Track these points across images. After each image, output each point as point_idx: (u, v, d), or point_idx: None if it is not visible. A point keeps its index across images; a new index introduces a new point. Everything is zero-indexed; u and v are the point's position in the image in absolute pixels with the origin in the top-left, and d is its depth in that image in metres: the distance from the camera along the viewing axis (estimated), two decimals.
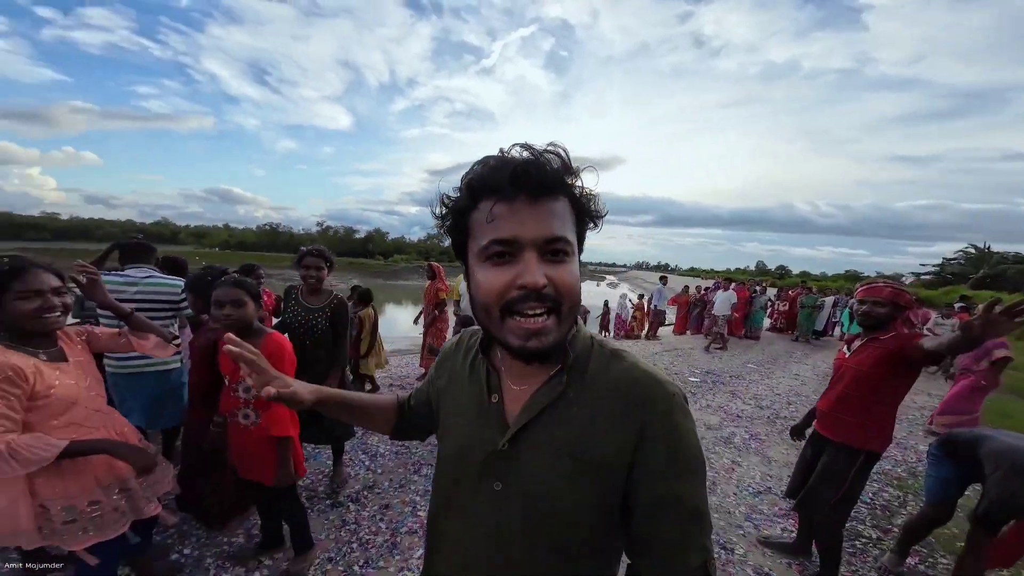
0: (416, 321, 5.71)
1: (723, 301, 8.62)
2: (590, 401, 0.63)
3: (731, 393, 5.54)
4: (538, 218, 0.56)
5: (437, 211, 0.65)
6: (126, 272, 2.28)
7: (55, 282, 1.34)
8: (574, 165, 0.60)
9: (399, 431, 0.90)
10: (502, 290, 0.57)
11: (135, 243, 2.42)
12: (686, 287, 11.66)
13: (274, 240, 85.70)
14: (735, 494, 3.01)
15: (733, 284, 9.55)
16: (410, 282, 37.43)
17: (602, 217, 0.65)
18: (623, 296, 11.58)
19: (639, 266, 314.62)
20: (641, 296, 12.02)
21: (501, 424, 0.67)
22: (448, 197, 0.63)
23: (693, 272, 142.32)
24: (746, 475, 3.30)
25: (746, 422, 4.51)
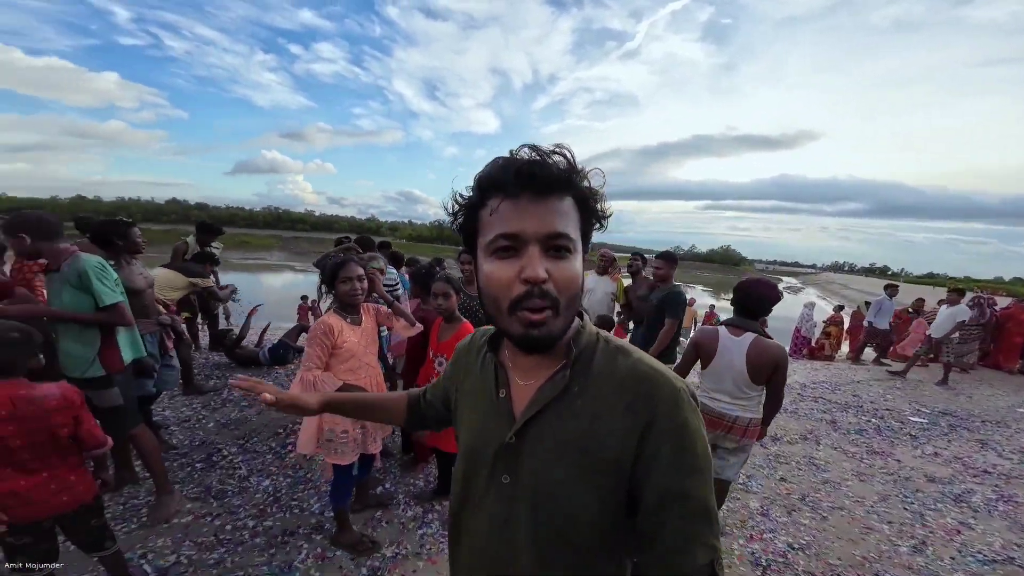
0: None
1: (946, 319, 6.20)
2: (595, 396, 0.64)
3: (979, 442, 4.19)
4: (541, 215, 0.59)
5: (449, 207, 0.67)
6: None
7: (360, 272, 1.99)
8: (579, 166, 0.62)
9: (412, 423, 0.99)
10: (508, 283, 0.59)
11: (377, 241, 3.42)
12: (919, 301, 8.60)
13: (440, 234, 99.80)
14: (952, 559, 2.46)
15: (972, 296, 7.00)
16: None
17: (607, 217, 0.67)
18: (808, 305, 9.32)
19: (835, 267, 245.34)
20: (839, 308, 9.60)
21: (509, 418, 0.68)
22: (460, 195, 0.66)
23: (932, 280, 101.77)
24: (978, 540, 2.64)
25: (997, 480, 3.41)
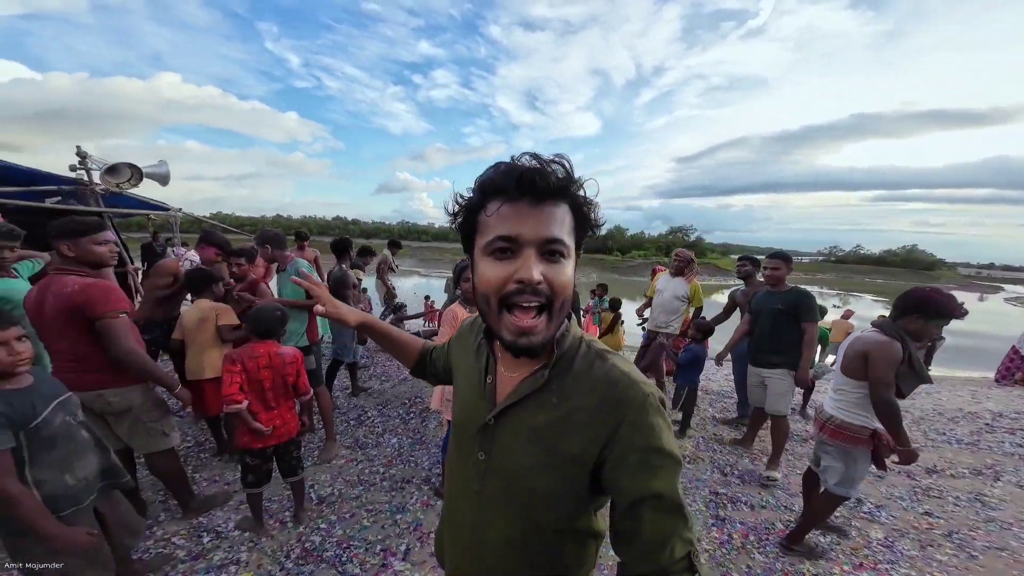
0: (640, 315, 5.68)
1: None
2: (569, 396, 0.68)
3: None
4: (539, 220, 0.62)
5: (450, 208, 0.71)
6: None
7: None
8: (576, 176, 0.65)
9: (417, 371, 1.09)
10: (501, 282, 0.63)
11: None
12: None
13: None
14: None
15: None
16: (643, 278, 35.76)
17: (600, 225, 0.70)
18: None
19: None
20: None
21: (491, 402, 0.75)
22: (461, 196, 0.69)
23: None
24: None
25: None
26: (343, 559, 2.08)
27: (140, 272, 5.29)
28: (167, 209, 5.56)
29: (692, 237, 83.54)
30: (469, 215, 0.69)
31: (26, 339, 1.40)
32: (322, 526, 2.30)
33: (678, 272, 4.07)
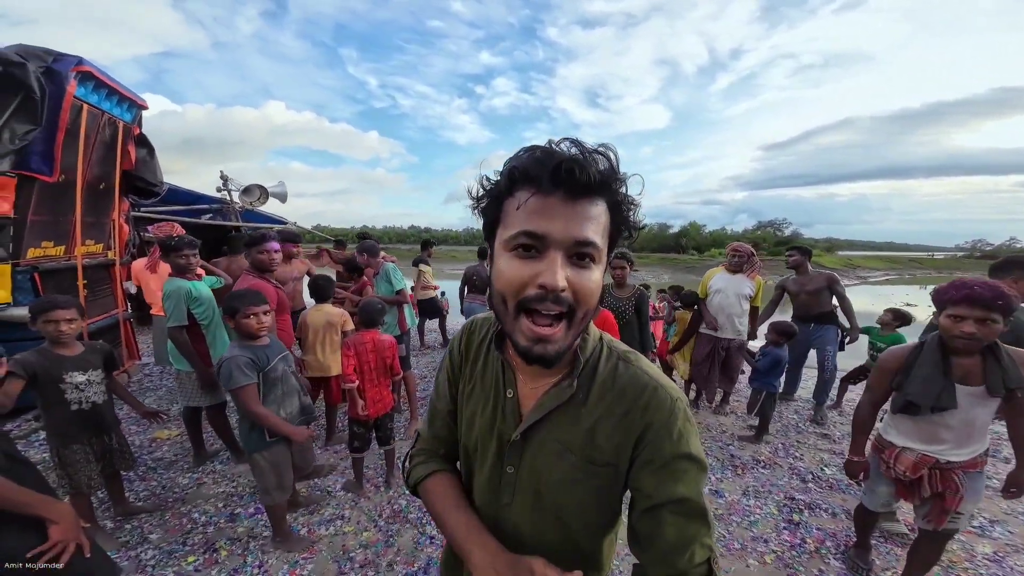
0: None
1: None
2: (597, 405, 0.66)
3: None
4: (571, 218, 0.54)
5: (475, 192, 0.64)
6: None
7: None
8: (620, 170, 0.57)
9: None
10: (521, 285, 0.56)
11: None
12: None
13: None
14: None
15: None
16: None
17: (639, 229, 0.63)
18: None
19: None
20: None
21: (515, 417, 0.71)
22: (488, 180, 0.62)
23: None
24: None
25: None
26: (423, 521, 2.40)
27: None
28: (285, 223, 6.65)
29: (786, 231, 75.36)
30: (495, 202, 0.61)
31: (269, 313, 2.04)
32: (407, 491, 2.66)
33: (737, 268, 3.68)
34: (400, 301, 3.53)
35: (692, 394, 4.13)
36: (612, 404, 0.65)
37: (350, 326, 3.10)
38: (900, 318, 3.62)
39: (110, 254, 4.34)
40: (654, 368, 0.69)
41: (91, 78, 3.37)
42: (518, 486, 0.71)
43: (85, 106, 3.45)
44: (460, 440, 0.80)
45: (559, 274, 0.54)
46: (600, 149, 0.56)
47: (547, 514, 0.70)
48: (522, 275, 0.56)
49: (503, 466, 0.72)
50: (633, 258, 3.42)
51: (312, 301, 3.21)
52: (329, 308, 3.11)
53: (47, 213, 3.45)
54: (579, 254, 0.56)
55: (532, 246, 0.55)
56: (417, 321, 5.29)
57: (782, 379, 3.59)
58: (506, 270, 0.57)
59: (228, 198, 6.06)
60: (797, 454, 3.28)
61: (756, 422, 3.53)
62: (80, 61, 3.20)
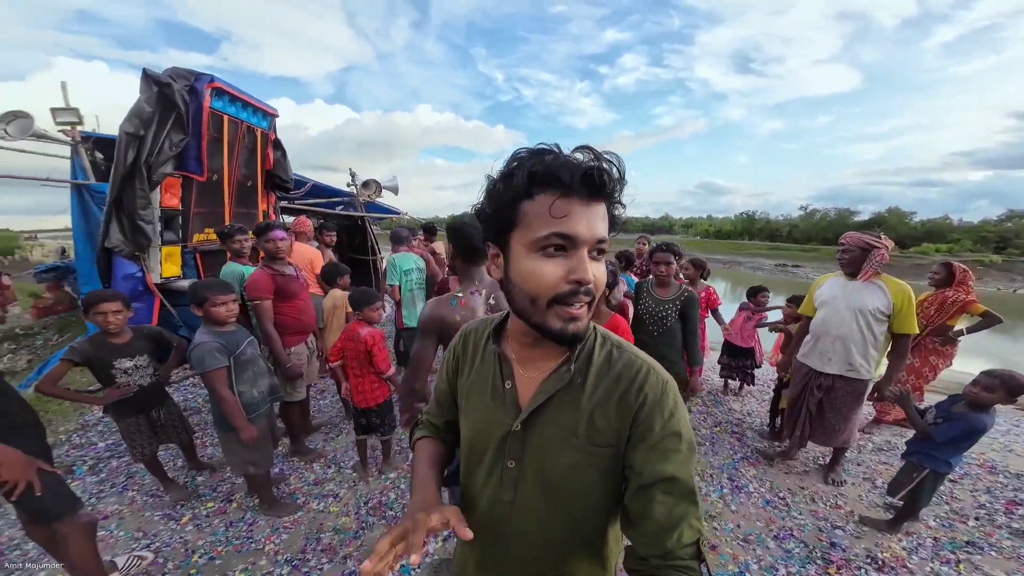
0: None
1: None
2: (595, 388, 0.70)
3: None
4: (592, 219, 0.61)
5: (491, 187, 0.66)
6: None
7: None
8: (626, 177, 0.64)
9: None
10: (555, 282, 0.61)
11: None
12: None
13: (749, 228, 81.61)
14: None
15: None
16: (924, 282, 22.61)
17: (621, 224, 0.69)
18: None
19: None
20: None
21: (514, 408, 0.73)
22: (499, 181, 0.65)
23: None
24: None
25: None
26: (399, 519, 2.27)
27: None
28: (398, 213, 7.45)
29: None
30: (510, 204, 0.63)
31: (236, 302, 2.13)
32: (402, 486, 2.56)
33: (852, 271, 2.43)
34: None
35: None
36: (610, 388, 0.69)
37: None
38: None
39: None
40: (645, 354, 0.73)
41: (224, 93, 4.14)
42: (520, 481, 0.72)
43: (225, 117, 4.26)
44: (461, 437, 0.83)
45: (589, 269, 0.61)
46: (608, 156, 0.62)
47: (553, 506, 0.71)
48: (556, 273, 0.61)
49: (504, 461, 0.73)
50: (681, 249, 2.64)
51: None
52: (335, 292, 3.17)
53: (205, 206, 4.41)
54: (598, 250, 0.63)
55: (563, 246, 0.61)
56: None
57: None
58: (538, 269, 0.62)
59: (355, 191, 6.96)
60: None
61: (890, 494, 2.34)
62: (212, 79, 3.95)
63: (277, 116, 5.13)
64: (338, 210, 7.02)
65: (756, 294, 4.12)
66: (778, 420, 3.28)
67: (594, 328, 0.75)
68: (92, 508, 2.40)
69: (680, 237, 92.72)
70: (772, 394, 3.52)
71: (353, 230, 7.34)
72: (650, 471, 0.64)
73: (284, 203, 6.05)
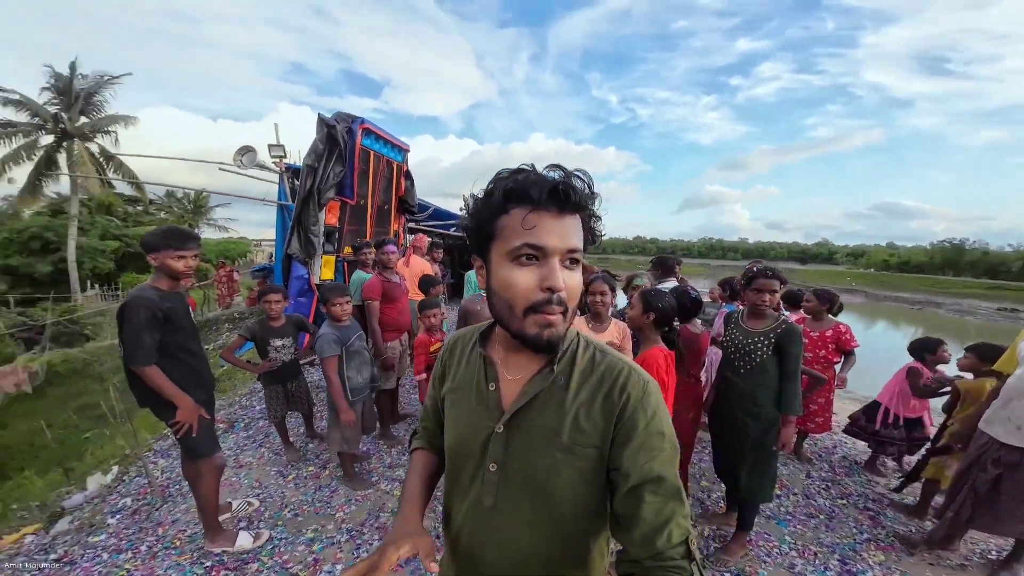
0: None
1: None
2: (579, 389, 0.71)
3: None
4: (563, 230, 0.65)
5: (470, 207, 0.71)
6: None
7: (603, 288, 2.36)
8: (595, 190, 0.69)
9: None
10: (529, 289, 0.65)
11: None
12: None
13: (955, 260, 62.25)
14: None
15: None
16: None
17: (600, 237, 0.73)
18: None
19: None
20: None
21: (497, 410, 0.74)
22: (478, 199, 0.70)
23: None
24: None
25: None
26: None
27: None
28: None
29: None
30: (488, 219, 0.69)
31: (349, 303, 2.61)
32: None
33: None
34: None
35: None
36: (594, 388, 0.71)
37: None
38: None
39: None
40: (627, 357, 0.76)
41: (371, 132, 5.05)
42: (502, 485, 0.72)
43: (372, 152, 5.19)
44: (445, 445, 0.83)
45: (559, 276, 0.64)
46: (578, 174, 0.67)
47: (535, 512, 0.71)
48: (528, 281, 0.65)
49: (485, 464, 0.74)
50: (785, 276, 2.29)
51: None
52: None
53: (354, 224, 5.39)
54: (570, 259, 0.67)
55: (534, 255, 0.65)
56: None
57: None
58: (512, 277, 0.66)
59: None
60: None
61: None
62: (363, 121, 4.87)
63: (408, 151, 6.03)
64: (452, 231, 7.97)
65: (933, 350, 3.01)
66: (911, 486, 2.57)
67: (577, 334, 0.78)
68: (234, 457, 3.09)
69: (844, 268, 78.20)
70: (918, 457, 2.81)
71: (464, 248, 8.10)
72: (637, 471, 0.64)
73: (411, 224, 7.01)
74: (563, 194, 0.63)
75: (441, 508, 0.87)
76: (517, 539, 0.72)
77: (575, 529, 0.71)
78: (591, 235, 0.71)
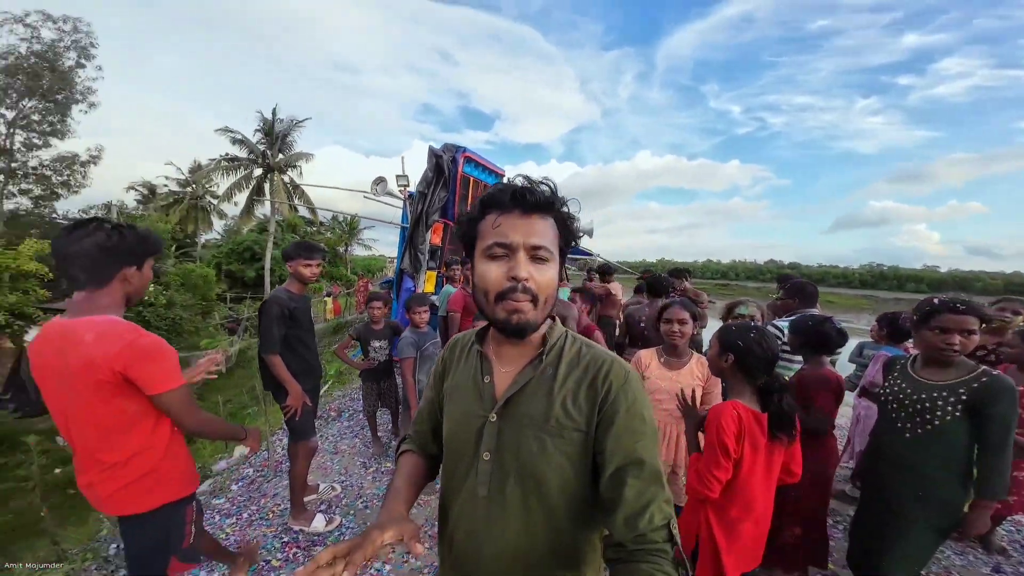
0: None
1: None
2: (566, 378, 0.78)
3: None
4: (527, 229, 0.74)
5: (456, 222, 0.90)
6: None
7: (683, 316, 2.03)
8: (560, 194, 0.79)
9: (434, 464, 0.97)
10: (498, 280, 0.73)
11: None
12: None
13: None
14: None
15: None
16: None
17: (577, 238, 0.84)
18: None
19: None
20: None
21: (491, 400, 0.80)
22: (464, 214, 0.84)
23: None
24: None
25: None
26: None
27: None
28: (590, 255, 9.01)
29: None
30: (471, 226, 0.80)
31: (427, 312, 2.88)
32: None
33: None
34: None
35: None
36: (579, 377, 0.78)
37: None
38: None
39: None
40: (611, 352, 0.83)
41: (472, 160, 5.42)
42: (495, 474, 0.77)
43: (471, 178, 5.58)
44: (443, 437, 0.88)
45: (523, 268, 0.73)
46: (543, 181, 0.79)
47: (531, 497, 0.75)
48: (498, 272, 0.74)
49: (480, 453, 0.78)
50: (986, 310, 1.65)
51: None
52: None
53: (453, 244, 5.82)
54: (537, 256, 0.74)
55: (503, 252, 0.74)
56: None
57: None
58: (486, 271, 0.75)
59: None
60: None
61: None
62: (465, 150, 5.26)
63: (504, 175, 6.32)
64: None
65: None
66: None
67: (566, 331, 0.85)
68: (334, 444, 3.52)
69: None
70: None
71: None
72: (620, 452, 0.70)
73: None
74: (522, 197, 0.73)
75: (440, 508, 0.90)
76: (510, 529, 0.75)
77: (566, 519, 0.75)
78: (568, 234, 0.79)
